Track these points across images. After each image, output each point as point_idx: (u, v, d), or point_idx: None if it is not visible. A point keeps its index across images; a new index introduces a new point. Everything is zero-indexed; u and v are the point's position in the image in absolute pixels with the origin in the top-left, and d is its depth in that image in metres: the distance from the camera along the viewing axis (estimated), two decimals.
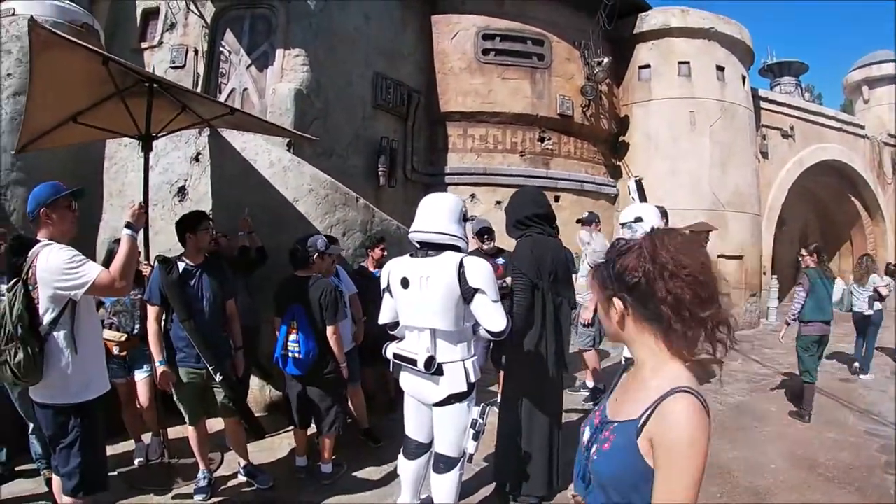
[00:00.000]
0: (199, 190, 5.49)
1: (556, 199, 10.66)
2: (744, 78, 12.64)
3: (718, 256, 11.19)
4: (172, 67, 8.85)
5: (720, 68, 12.05)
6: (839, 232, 17.32)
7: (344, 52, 8.73)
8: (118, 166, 6.03)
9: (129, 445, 4.64)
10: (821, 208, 17.37)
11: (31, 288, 2.77)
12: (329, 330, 4.09)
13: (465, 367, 3.22)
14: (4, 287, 3.24)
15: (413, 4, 10.17)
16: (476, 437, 3.20)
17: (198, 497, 3.95)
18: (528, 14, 10.85)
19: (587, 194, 11.31)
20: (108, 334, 4.24)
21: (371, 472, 4.45)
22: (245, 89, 8.57)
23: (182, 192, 5.55)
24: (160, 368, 3.84)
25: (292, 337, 4.02)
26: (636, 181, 5.23)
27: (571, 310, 4.68)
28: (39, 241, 2.85)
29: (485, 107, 10.47)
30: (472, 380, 3.24)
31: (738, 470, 4.72)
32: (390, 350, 3.38)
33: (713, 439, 4.27)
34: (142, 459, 4.51)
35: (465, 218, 3.33)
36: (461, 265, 3.08)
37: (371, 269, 5.37)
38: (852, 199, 16.38)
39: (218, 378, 3.86)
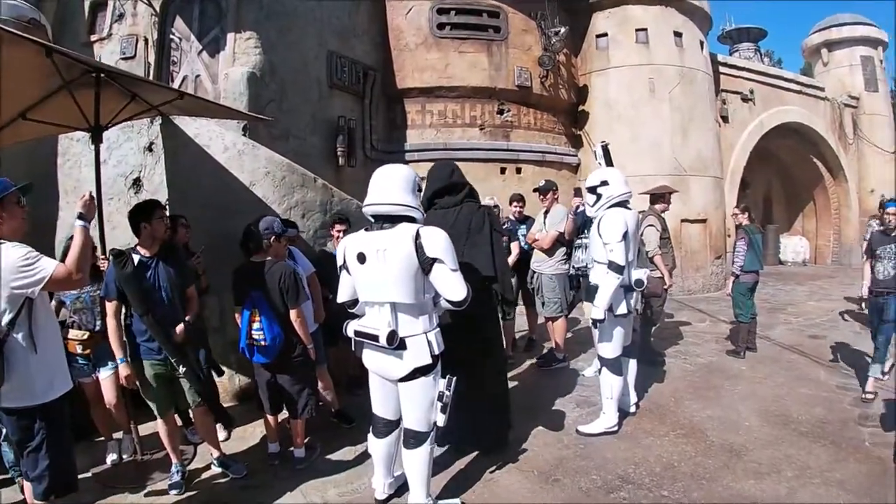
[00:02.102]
0: (154, 180, 5.54)
1: (518, 170, 11.00)
2: (702, 43, 12.96)
3: (682, 221, 11.69)
4: (123, 59, 8.86)
5: (678, 34, 12.34)
6: (802, 193, 18.00)
7: (297, 32, 8.83)
8: (72, 162, 6.12)
9: (103, 444, 4.64)
10: (783, 170, 17.99)
11: None
12: (293, 313, 4.12)
13: (427, 340, 3.28)
14: None
15: None
16: (444, 410, 3.31)
17: (172, 492, 3.97)
18: None
19: (549, 165, 11.55)
20: (72, 333, 4.29)
21: (345, 453, 4.51)
22: (197, 76, 8.60)
23: (137, 183, 5.60)
24: (122, 366, 3.85)
25: (255, 325, 4.02)
26: (602, 146, 5.27)
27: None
28: None
29: (442, 81, 10.66)
30: (436, 352, 3.31)
31: (711, 429, 4.82)
32: (351, 328, 3.41)
33: (684, 400, 5.01)
34: (115, 458, 4.51)
35: (419, 188, 3.41)
36: (418, 235, 3.13)
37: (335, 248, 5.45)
38: (814, 160, 17.00)
39: (181, 370, 3.86)
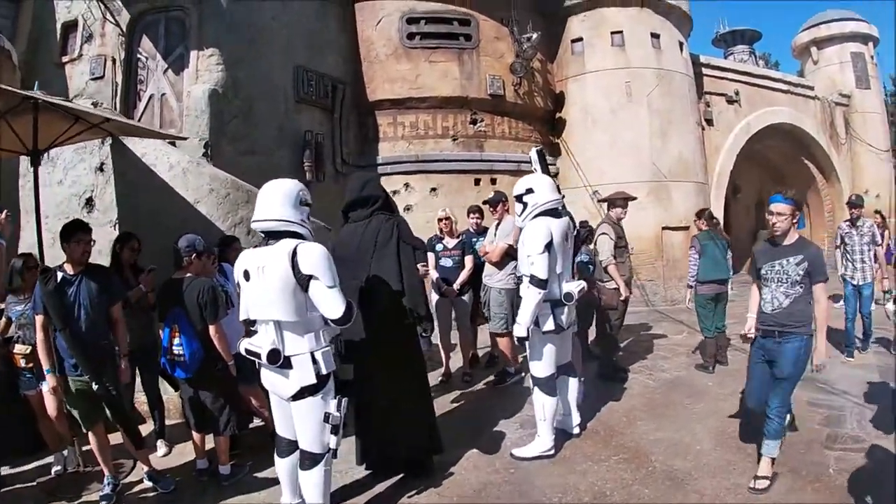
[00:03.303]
0: (105, 200, 5.77)
1: (493, 181, 11.06)
2: (681, 44, 13.03)
3: (663, 228, 11.78)
4: (92, 79, 9.12)
5: (655, 36, 12.41)
6: (795, 196, 17.80)
7: (262, 48, 9.04)
8: (30, 183, 6.27)
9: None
10: (775, 173, 17.96)
11: None
12: (211, 329, 4.22)
13: (314, 359, 3.30)
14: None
15: None
16: (335, 431, 3.34)
17: (102, 503, 4.17)
18: None
19: (525, 174, 11.35)
20: (17, 348, 4.54)
21: (273, 472, 4.43)
22: (163, 94, 8.86)
23: (90, 203, 5.84)
24: (48, 377, 4.07)
25: (175, 340, 4.19)
26: (537, 151, 5.20)
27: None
28: None
29: (413, 92, 10.81)
30: (324, 371, 3.34)
31: (658, 453, 4.63)
32: (242, 345, 3.48)
33: (637, 420, 5.05)
34: (59, 469, 4.72)
35: (305, 203, 3.43)
36: (294, 252, 3.18)
37: None
38: (806, 161, 17.03)
39: (94, 387, 4.01)
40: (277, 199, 3.34)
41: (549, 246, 4.37)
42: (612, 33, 12.26)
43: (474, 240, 6.84)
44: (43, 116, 4.45)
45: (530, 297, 4.40)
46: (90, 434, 4.23)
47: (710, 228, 7.00)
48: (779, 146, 16.57)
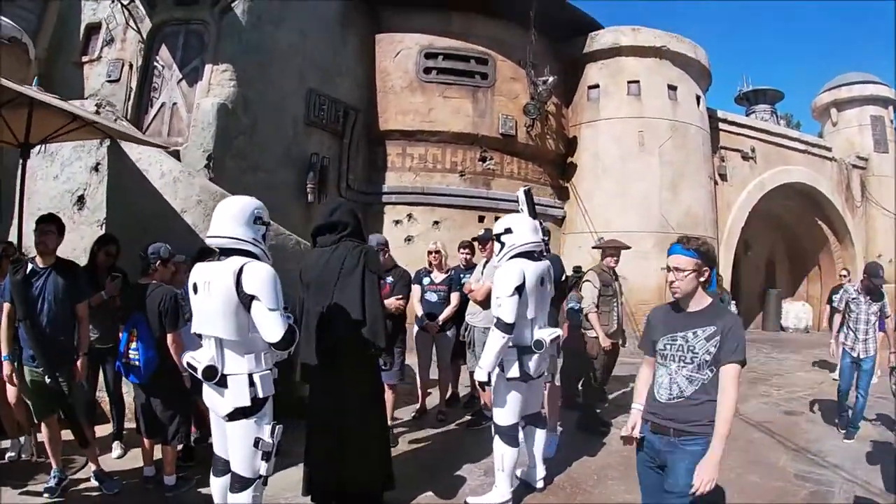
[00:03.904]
0: (96, 199, 5.88)
1: (497, 219, 10.94)
2: (698, 98, 13.11)
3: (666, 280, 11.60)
4: (108, 81, 9.33)
5: (672, 87, 12.54)
6: (807, 257, 17.81)
7: (276, 68, 9.18)
8: (28, 175, 6.36)
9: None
10: (787, 233, 17.88)
11: None
12: (169, 337, 4.23)
13: (251, 381, 3.22)
14: None
15: (355, 22, 10.68)
16: (266, 458, 3.23)
17: (45, 495, 4.22)
18: (474, 32, 11.39)
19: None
20: None
21: None
22: (175, 104, 8.98)
23: (81, 200, 5.94)
24: (4, 364, 4.22)
25: (132, 345, 4.25)
26: (525, 191, 5.06)
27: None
28: None
29: (425, 125, 10.94)
30: (261, 395, 3.24)
31: None
32: (185, 358, 3.46)
33: (608, 479, 4.77)
34: (13, 455, 4.89)
35: (261, 221, 3.37)
36: (240, 270, 3.12)
37: None
38: (819, 223, 16.86)
39: (47, 380, 4.09)
40: (229, 216, 3.29)
41: (519, 289, 4.21)
42: (629, 82, 12.38)
43: (462, 276, 6.65)
44: (39, 112, 4.53)
45: (494, 340, 4.23)
46: (42, 426, 4.30)
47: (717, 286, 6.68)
48: (793, 205, 16.48)
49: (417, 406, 6.73)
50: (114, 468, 4.74)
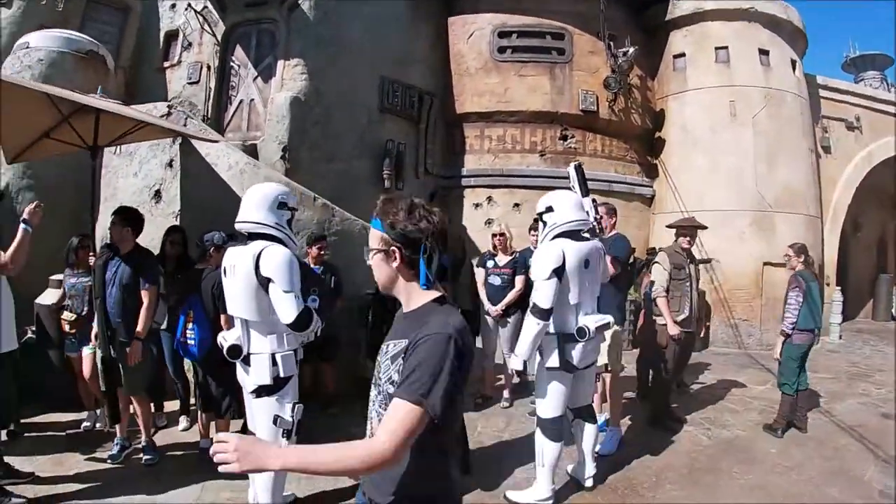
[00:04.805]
0: (171, 193, 6.17)
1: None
2: (794, 62, 12.13)
3: (765, 264, 10.73)
4: (189, 83, 9.91)
5: (763, 52, 11.65)
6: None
7: (347, 58, 9.34)
8: (111, 173, 6.73)
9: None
10: None
11: None
12: (222, 318, 4.45)
13: (274, 360, 3.39)
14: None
15: (426, 7, 10.68)
16: (287, 436, 3.30)
17: (108, 461, 4.68)
18: (548, 7, 11.11)
19: (616, 195, 11.02)
20: (64, 314, 5.21)
21: None
22: (252, 100, 9.42)
23: (157, 195, 6.25)
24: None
25: (189, 325, 4.59)
26: (575, 166, 4.61)
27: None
28: None
29: (501, 106, 10.79)
30: (283, 374, 3.40)
31: None
32: (219, 337, 3.73)
33: (667, 482, 4.47)
34: (88, 425, 5.40)
35: (286, 206, 3.56)
36: (259, 254, 3.29)
37: (312, 265, 5.70)
38: None
39: (100, 356, 4.46)
40: (254, 202, 3.47)
41: (558, 271, 3.98)
42: (717, 49, 11.60)
43: (529, 258, 6.39)
44: (105, 117, 4.74)
45: (529, 327, 4.06)
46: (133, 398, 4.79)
47: (806, 267, 6.07)
48: None
49: (482, 391, 6.59)
50: (179, 440, 5.22)
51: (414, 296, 1.89)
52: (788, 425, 5.93)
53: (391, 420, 1.64)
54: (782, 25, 11.94)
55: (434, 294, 1.87)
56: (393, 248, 1.84)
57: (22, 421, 5.18)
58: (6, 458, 4.29)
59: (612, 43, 11.06)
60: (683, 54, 11.88)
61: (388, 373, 1.82)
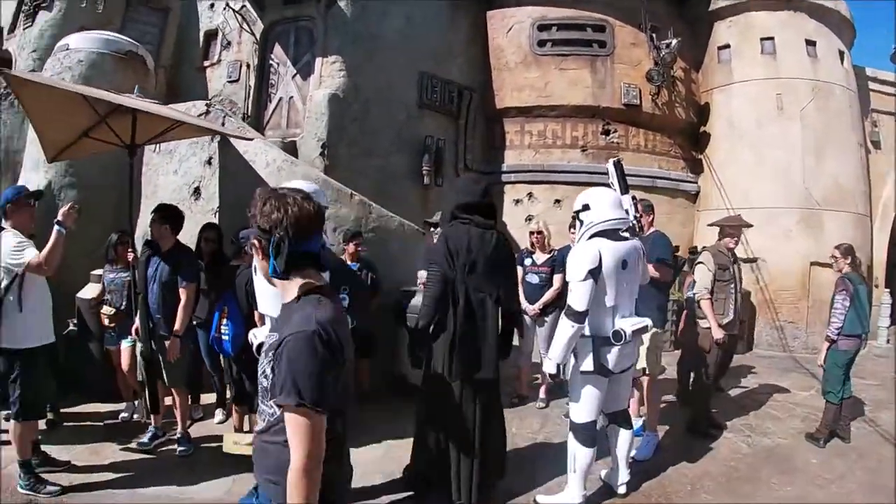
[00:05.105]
0: (210, 189, 6.23)
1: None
2: (842, 53, 11.71)
3: (812, 264, 10.33)
4: (229, 82, 10.04)
5: (810, 43, 11.25)
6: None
7: (385, 55, 9.34)
8: (152, 171, 6.80)
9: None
10: None
11: None
12: (256, 315, 4.39)
13: None
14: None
15: (464, 1, 10.62)
16: None
17: (137, 446, 4.79)
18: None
19: (660, 191, 10.78)
20: (104, 309, 5.33)
21: None
22: (291, 97, 9.53)
23: (197, 192, 6.30)
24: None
25: (224, 321, 4.69)
26: (614, 162, 4.50)
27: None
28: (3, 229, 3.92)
29: (541, 101, 10.65)
30: None
31: None
32: (251, 334, 3.83)
33: (703, 491, 4.29)
34: (126, 416, 5.51)
35: None
36: None
37: (349, 262, 5.72)
38: None
39: (140, 350, 4.61)
40: None
41: (594, 273, 3.81)
42: (762, 40, 11.23)
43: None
44: (143, 116, 4.75)
45: (563, 329, 3.89)
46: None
47: (853, 269, 5.81)
48: None
49: (517, 391, 6.47)
50: (214, 432, 5.19)
51: (288, 287, 1.93)
52: (831, 435, 5.66)
53: (291, 437, 1.74)
54: (829, 15, 11.51)
55: (300, 282, 1.92)
56: (253, 242, 1.92)
57: (62, 410, 5.29)
58: (43, 447, 4.39)
59: (654, 35, 10.83)
60: (728, 45, 11.53)
61: (262, 365, 1.89)
